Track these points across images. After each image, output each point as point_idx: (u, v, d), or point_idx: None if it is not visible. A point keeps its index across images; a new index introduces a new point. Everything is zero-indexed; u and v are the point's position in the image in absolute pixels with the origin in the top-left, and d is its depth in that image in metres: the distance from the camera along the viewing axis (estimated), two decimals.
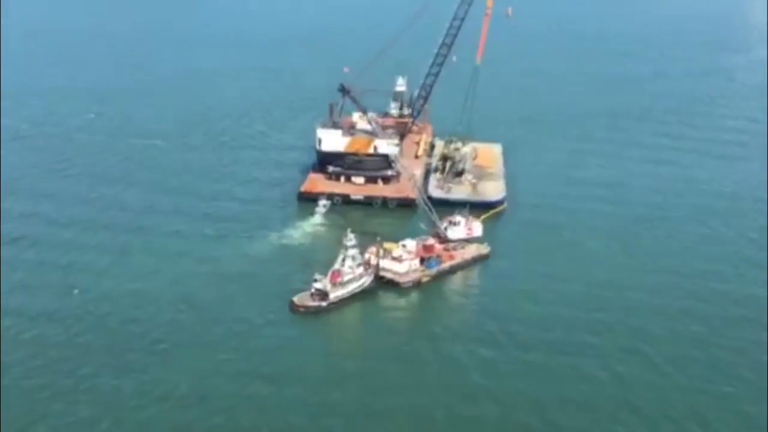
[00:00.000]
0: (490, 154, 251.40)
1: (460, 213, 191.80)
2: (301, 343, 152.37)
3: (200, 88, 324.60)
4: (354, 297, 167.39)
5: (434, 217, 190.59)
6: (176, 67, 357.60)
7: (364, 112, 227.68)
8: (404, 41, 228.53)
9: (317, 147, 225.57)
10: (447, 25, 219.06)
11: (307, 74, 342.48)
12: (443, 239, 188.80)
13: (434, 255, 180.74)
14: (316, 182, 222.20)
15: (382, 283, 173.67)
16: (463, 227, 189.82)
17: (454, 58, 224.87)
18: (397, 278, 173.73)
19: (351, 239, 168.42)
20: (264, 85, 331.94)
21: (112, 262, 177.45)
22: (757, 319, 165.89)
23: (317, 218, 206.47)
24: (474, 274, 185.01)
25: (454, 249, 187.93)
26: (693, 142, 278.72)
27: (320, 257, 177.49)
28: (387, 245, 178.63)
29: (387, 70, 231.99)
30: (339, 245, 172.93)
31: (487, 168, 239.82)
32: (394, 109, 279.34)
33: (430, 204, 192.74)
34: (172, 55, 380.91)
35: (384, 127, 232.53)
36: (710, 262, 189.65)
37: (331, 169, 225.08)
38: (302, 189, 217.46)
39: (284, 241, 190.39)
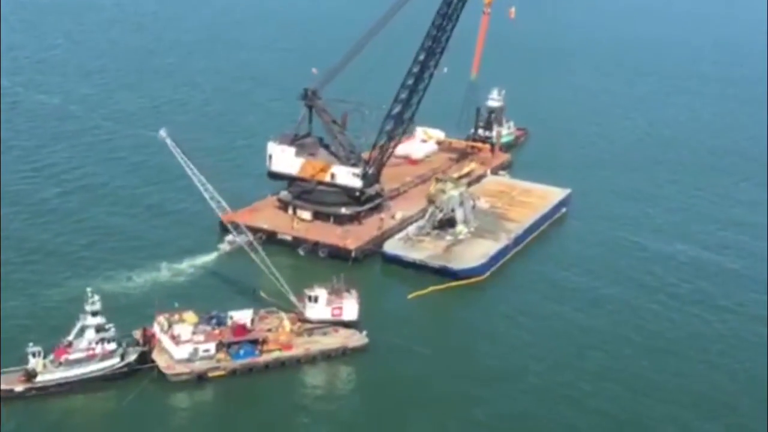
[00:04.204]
0: (537, 202, 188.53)
1: (325, 284, 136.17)
2: None
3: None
4: (86, 384, 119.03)
5: (283, 285, 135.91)
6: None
7: (335, 125, 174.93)
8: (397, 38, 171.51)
9: (267, 165, 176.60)
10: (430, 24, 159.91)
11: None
12: (301, 318, 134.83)
13: (251, 340, 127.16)
14: (258, 210, 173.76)
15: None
16: (323, 305, 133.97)
17: (445, 70, 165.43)
18: (163, 366, 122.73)
19: (94, 302, 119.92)
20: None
21: None
22: None
23: (209, 258, 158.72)
24: (312, 376, 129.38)
25: (310, 335, 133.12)
26: None
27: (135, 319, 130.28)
28: (185, 315, 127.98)
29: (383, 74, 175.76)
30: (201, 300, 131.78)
31: (511, 220, 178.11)
32: (481, 128, 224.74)
33: (273, 269, 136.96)
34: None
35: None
36: None
37: (281, 195, 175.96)
38: (223, 216, 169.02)
39: (108, 286, 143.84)
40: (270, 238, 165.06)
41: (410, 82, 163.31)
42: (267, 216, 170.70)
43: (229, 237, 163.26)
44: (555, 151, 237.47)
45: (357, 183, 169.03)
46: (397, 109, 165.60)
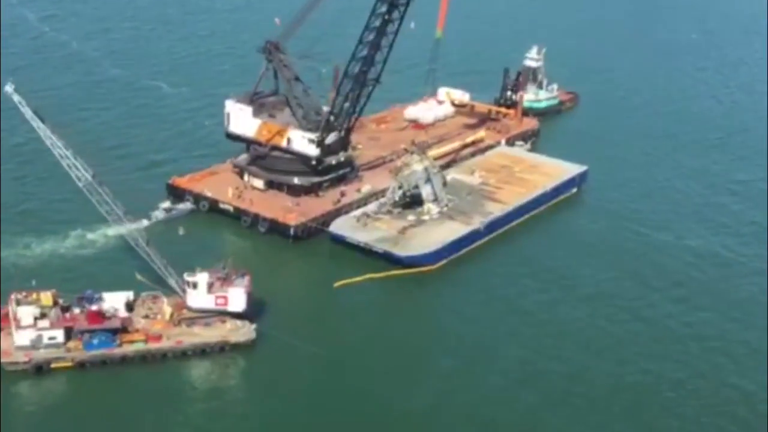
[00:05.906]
0: (539, 180, 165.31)
1: (211, 268, 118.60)
2: None
3: None
4: None
5: (160, 267, 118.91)
6: None
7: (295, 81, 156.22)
8: None
9: (225, 125, 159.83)
10: None
11: None
12: (186, 307, 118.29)
13: (109, 328, 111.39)
14: (215, 174, 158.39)
15: None
16: (204, 292, 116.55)
17: (412, 25, 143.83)
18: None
19: None
20: None
21: None
22: None
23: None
24: (176, 373, 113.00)
25: (189, 325, 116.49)
26: None
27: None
28: (42, 295, 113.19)
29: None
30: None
31: (496, 201, 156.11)
32: (510, 90, 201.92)
33: (147, 248, 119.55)
34: None
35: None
36: None
37: (237, 159, 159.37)
38: (171, 181, 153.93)
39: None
40: (213, 208, 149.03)
41: (371, 37, 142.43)
42: (217, 183, 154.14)
43: (163, 205, 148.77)
44: (605, 122, 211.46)
45: (313, 150, 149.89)
46: (356, 68, 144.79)
